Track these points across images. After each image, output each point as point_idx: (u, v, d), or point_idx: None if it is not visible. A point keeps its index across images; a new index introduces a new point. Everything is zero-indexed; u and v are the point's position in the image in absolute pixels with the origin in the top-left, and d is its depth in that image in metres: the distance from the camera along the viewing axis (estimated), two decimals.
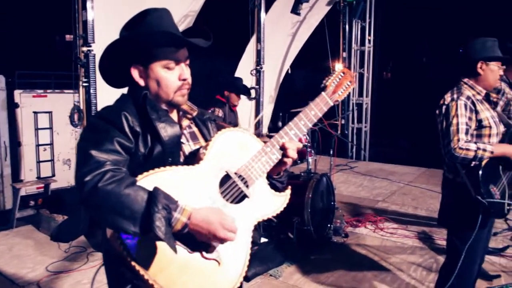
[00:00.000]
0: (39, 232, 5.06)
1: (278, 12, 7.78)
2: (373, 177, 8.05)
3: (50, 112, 6.14)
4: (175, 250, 1.30)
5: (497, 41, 2.77)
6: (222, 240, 1.40)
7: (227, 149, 1.56)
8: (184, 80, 1.60)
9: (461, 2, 8.90)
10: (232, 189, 1.52)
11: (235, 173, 1.54)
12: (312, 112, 1.70)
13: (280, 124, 5.42)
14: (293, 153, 1.63)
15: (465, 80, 2.77)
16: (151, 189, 1.32)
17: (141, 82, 1.59)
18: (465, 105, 2.62)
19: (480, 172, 2.53)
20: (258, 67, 5.92)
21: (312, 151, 4.90)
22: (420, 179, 7.85)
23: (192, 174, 1.48)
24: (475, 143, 2.55)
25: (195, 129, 1.75)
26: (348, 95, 9.95)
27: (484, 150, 2.52)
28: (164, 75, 1.56)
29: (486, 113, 2.68)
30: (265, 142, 1.64)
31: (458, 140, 2.55)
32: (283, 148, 1.62)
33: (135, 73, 1.59)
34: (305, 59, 10.22)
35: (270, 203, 1.60)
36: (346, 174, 8.36)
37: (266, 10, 7.10)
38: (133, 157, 1.48)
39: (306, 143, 4.76)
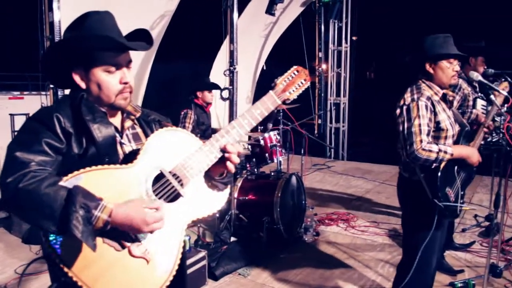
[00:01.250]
0: (11, 235, 5.01)
1: (252, 13, 7.82)
2: (349, 176, 8.12)
3: (27, 114, 6.07)
4: (93, 249, 1.32)
5: (450, 37, 2.71)
6: (149, 233, 1.43)
7: (163, 148, 1.58)
8: (126, 83, 1.61)
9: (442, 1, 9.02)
10: (165, 187, 1.54)
11: (170, 172, 1.55)
12: (258, 111, 1.70)
13: (270, 125, 5.40)
14: (234, 158, 1.63)
15: (423, 79, 2.74)
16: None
17: (82, 85, 1.60)
18: (426, 106, 2.57)
19: (439, 174, 2.52)
20: (231, 68, 5.92)
21: (283, 151, 4.92)
22: (395, 178, 7.86)
23: (125, 172, 1.50)
24: (437, 144, 2.54)
25: (139, 130, 1.76)
26: (326, 95, 10.03)
27: (445, 152, 2.50)
28: (105, 79, 1.58)
29: (443, 115, 2.65)
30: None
31: (421, 141, 2.51)
32: (223, 151, 1.63)
33: (76, 76, 1.60)
34: (283, 59, 10.27)
35: (206, 202, 1.61)
36: (323, 174, 8.41)
37: (240, 11, 7.14)
38: (66, 157, 1.50)
39: (276, 143, 4.79)
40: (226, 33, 6.20)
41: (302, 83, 1.79)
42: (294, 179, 4.68)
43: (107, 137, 1.57)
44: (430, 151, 2.49)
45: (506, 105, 3.41)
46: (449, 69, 2.67)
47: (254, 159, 4.90)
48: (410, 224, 2.88)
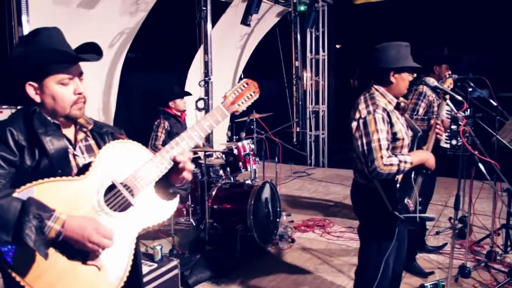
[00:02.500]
0: None
1: (227, 24, 7.93)
2: (328, 183, 8.20)
3: None
4: (45, 257, 1.37)
5: (409, 46, 2.73)
6: (98, 246, 1.47)
7: (115, 159, 1.63)
8: (80, 94, 1.66)
9: (420, 8, 9.22)
10: (116, 198, 1.59)
11: (121, 183, 1.61)
12: (207, 123, 1.76)
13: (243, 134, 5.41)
14: (188, 166, 1.70)
15: (377, 87, 2.71)
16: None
17: (37, 99, 1.64)
18: (383, 119, 2.54)
19: (398, 186, 2.51)
20: (206, 78, 6.01)
21: (257, 159, 4.98)
22: None
23: (77, 184, 1.55)
24: (396, 156, 2.50)
25: (92, 142, 1.81)
26: (305, 103, 10.15)
27: (405, 162, 2.48)
28: (59, 91, 1.62)
29: (399, 125, 2.65)
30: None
31: (382, 157, 2.46)
32: (174, 161, 1.68)
33: (30, 90, 1.63)
34: (261, 69, 10.40)
35: (157, 211, 1.67)
36: (303, 181, 8.49)
37: (214, 22, 7.24)
38: (19, 170, 1.54)
39: (249, 151, 4.86)
40: (200, 44, 6.29)
41: (251, 95, 1.86)
42: (268, 187, 4.74)
43: (59, 149, 1.62)
44: (391, 165, 2.45)
45: (459, 110, 3.51)
46: (407, 80, 2.70)
47: (228, 168, 4.94)
48: (367, 232, 2.84)
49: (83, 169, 1.66)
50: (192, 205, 4.88)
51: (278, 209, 4.91)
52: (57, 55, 1.60)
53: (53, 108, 1.64)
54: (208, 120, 1.76)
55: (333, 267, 4.33)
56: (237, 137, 5.07)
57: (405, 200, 2.56)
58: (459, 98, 2.90)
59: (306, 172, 9.30)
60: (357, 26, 10.38)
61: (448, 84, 3.38)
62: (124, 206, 1.60)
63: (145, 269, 3.50)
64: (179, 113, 5.21)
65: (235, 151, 4.83)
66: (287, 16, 9.17)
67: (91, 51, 1.71)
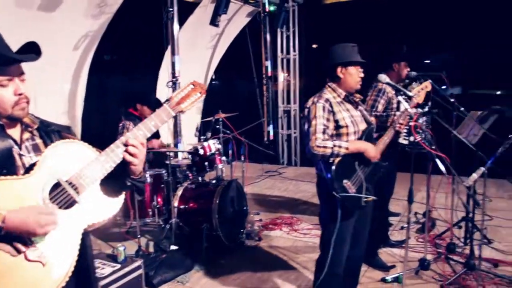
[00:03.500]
0: None
1: (196, 25, 7.93)
2: (299, 181, 8.30)
3: None
4: None
5: (356, 46, 3.00)
6: (45, 227, 1.52)
7: (61, 158, 1.65)
8: (20, 94, 1.67)
9: (390, 6, 9.39)
10: (61, 195, 1.62)
11: (66, 181, 1.63)
12: (152, 123, 1.81)
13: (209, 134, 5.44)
14: (135, 150, 1.74)
15: (329, 83, 3.00)
16: None
17: None
18: (323, 107, 2.85)
19: (333, 168, 2.75)
20: (174, 79, 6.02)
21: (223, 159, 5.02)
22: None
23: (22, 183, 1.57)
24: (332, 141, 2.78)
25: (39, 141, 1.82)
26: (276, 103, 10.23)
27: (340, 146, 2.76)
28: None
29: (344, 114, 2.90)
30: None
31: (316, 139, 2.76)
32: (126, 150, 1.73)
33: None
34: (233, 69, 10.46)
35: (102, 208, 1.70)
36: (274, 180, 8.57)
37: (183, 23, 7.25)
38: None
39: (215, 151, 4.89)
40: (167, 45, 6.30)
41: (197, 95, 1.91)
42: (233, 186, 4.79)
43: (3, 149, 1.63)
44: (325, 147, 2.75)
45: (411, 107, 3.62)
46: (355, 75, 2.95)
47: (194, 168, 4.97)
48: (323, 218, 3.10)
49: (30, 168, 1.67)
50: (158, 206, 4.89)
51: (245, 208, 4.96)
52: None
53: None
54: (154, 120, 1.80)
55: (298, 264, 4.40)
56: (204, 137, 5.10)
57: (344, 182, 2.78)
58: (410, 94, 3.05)
59: (278, 171, 9.39)
60: (327, 25, 10.49)
61: (424, 87, 3.45)
62: (69, 203, 1.63)
63: (108, 270, 3.53)
64: (143, 117, 5.21)
65: (201, 151, 4.85)
66: (257, 16, 9.22)
67: (31, 51, 1.72)
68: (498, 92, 12.73)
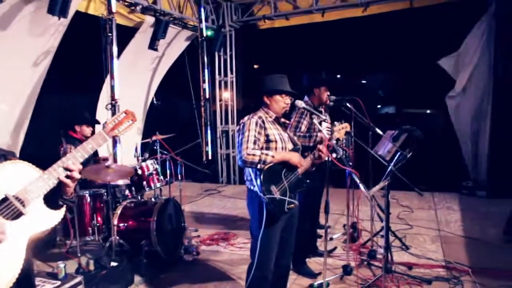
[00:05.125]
0: None
1: (137, 49, 8.15)
2: (237, 199, 8.61)
3: None
4: None
5: (285, 77, 3.43)
6: None
7: (7, 177, 1.89)
8: None
9: (325, 31, 9.92)
10: (9, 208, 1.85)
11: (14, 196, 1.86)
12: (90, 146, 2.11)
13: (146, 155, 5.62)
14: (74, 174, 2.01)
15: (262, 107, 3.42)
16: None
17: None
18: (256, 122, 3.24)
19: (262, 174, 3.12)
20: (113, 102, 6.20)
21: (161, 178, 5.25)
22: None
23: None
24: (261, 150, 3.18)
25: None
26: (215, 123, 10.56)
27: (267, 154, 3.14)
28: None
29: (273, 131, 3.31)
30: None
31: (247, 148, 3.14)
32: (67, 169, 1.99)
33: None
34: (173, 91, 10.69)
35: (46, 218, 1.95)
36: (213, 198, 8.84)
37: (124, 47, 7.46)
38: None
39: (153, 171, 5.12)
40: (107, 68, 6.48)
41: (130, 122, 2.23)
42: (171, 204, 5.03)
43: None
44: (254, 155, 3.12)
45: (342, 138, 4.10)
46: (281, 101, 3.38)
47: (133, 188, 5.17)
48: (251, 227, 3.39)
49: None
50: (98, 224, 5.03)
51: (183, 224, 5.20)
52: None
53: None
54: (91, 143, 2.10)
55: (233, 275, 4.67)
56: (142, 157, 5.31)
57: (271, 186, 3.14)
58: (322, 117, 3.49)
59: (217, 189, 9.67)
60: (263, 48, 10.98)
61: (343, 127, 3.84)
62: (16, 215, 1.86)
63: (48, 287, 3.65)
64: (84, 138, 5.34)
65: (139, 171, 5.07)
66: (194, 41, 9.56)
67: None
68: (428, 111, 13.67)
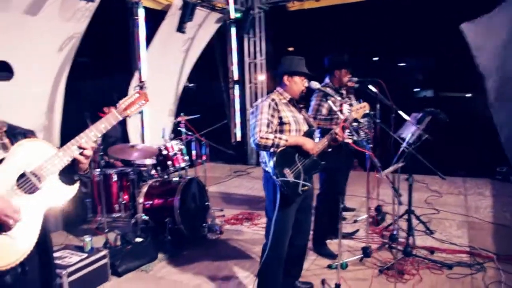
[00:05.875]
0: None
1: (169, 30, 8.24)
2: None
3: None
4: None
5: (303, 59, 3.47)
6: (8, 219, 1.87)
7: (26, 154, 2.02)
8: None
9: (353, 14, 9.71)
10: (26, 183, 1.98)
11: (31, 172, 1.99)
12: (102, 125, 2.21)
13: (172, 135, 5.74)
14: (86, 152, 2.13)
15: (278, 88, 3.46)
16: None
17: None
18: (269, 105, 3.27)
19: (275, 157, 3.15)
20: (140, 84, 6.33)
21: (185, 158, 5.38)
22: None
23: None
24: (274, 134, 3.21)
25: (6, 141, 2.16)
26: (245, 105, 10.63)
27: (280, 138, 3.18)
28: None
29: (287, 113, 3.34)
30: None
31: (260, 131, 3.18)
32: (80, 147, 2.10)
33: None
34: (203, 73, 10.79)
35: (60, 193, 2.07)
36: (241, 179, 8.96)
37: (152, 29, 7.58)
38: None
39: (177, 151, 5.25)
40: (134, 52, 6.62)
41: (142, 103, 2.31)
42: (195, 183, 5.16)
43: None
44: (267, 138, 3.16)
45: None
46: (299, 83, 3.42)
47: (158, 167, 5.32)
48: (266, 208, 3.46)
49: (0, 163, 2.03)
50: (125, 202, 5.23)
51: (206, 203, 5.32)
52: None
53: None
54: (104, 123, 2.20)
55: (254, 253, 4.78)
56: (167, 138, 5.44)
57: (284, 169, 3.18)
58: (338, 98, 3.50)
59: (246, 171, 9.78)
60: (292, 30, 10.89)
61: (362, 106, 3.82)
62: (32, 189, 1.99)
63: (75, 258, 3.87)
64: None
65: (164, 151, 5.21)
66: (224, 23, 9.60)
67: (5, 69, 2.09)
68: (468, 95, 13.24)
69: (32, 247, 1.95)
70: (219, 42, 9.89)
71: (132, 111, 2.28)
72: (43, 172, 2.02)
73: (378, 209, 5.89)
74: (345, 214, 6.08)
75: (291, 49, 12.45)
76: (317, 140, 3.49)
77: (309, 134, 3.40)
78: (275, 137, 3.17)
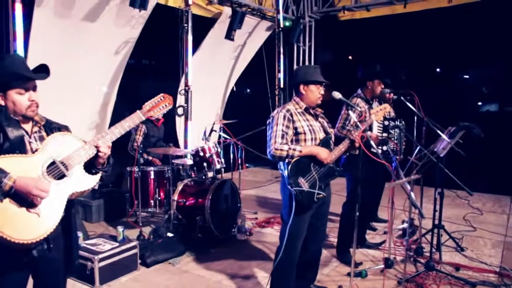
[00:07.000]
0: None
1: (218, 37, 8.57)
2: None
3: None
4: (1, 201, 2.07)
5: (318, 68, 3.55)
6: (37, 196, 2.15)
7: (57, 145, 2.32)
8: (32, 101, 2.36)
9: (405, 24, 9.58)
10: (55, 170, 2.28)
11: (60, 161, 2.28)
12: (126, 124, 2.47)
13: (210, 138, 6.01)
14: (104, 149, 2.39)
15: (294, 97, 3.56)
16: None
17: (2, 103, 2.35)
18: (284, 116, 3.35)
19: (289, 166, 3.25)
20: (186, 88, 6.68)
21: (221, 160, 5.63)
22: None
23: (28, 160, 2.25)
24: (288, 145, 3.29)
25: (43, 133, 2.49)
26: None
27: (294, 149, 3.26)
28: (17, 98, 2.32)
29: (302, 123, 3.40)
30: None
31: (275, 142, 3.27)
32: (96, 146, 2.37)
33: None
34: (250, 79, 11.03)
35: (84, 181, 2.36)
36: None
37: (200, 36, 7.93)
38: None
39: (213, 153, 5.51)
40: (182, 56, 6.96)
41: (165, 105, 2.58)
42: (228, 185, 5.39)
43: (18, 136, 2.31)
44: (282, 149, 3.25)
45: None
46: (316, 91, 3.49)
47: (195, 168, 5.60)
48: (282, 213, 3.57)
49: (35, 151, 2.34)
50: (160, 198, 5.55)
51: (238, 205, 5.54)
52: (15, 76, 2.31)
53: (14, 110, 2.35)
54: (128, 122, 2.46)
55: None
56: (205, 141, 5.72)
57: (299, 178, 3.27)
58: (358, 109, 3.60)
59: None
60: (343, 40, 10.89)
61: (382, 108, 3.89)
62: (60, 176, 2.29)
63: (107, 246, 4.20)
64: (155, 120, 5.91)
65: (201, 153, 5.49)
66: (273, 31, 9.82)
67: (42, 71, 2.40)
68: None
69: (55, 225, 2.23)
70: (267, 49, 10.09)
71: (155, 113, 2.53)
72: (70, 161, 2.30)
73: (410, 222, 5.86)
74: (377, 225, 6.11)
75: (350, 57, 12.39)
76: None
77: (325, 141, 3.47)
78: (289, 148, 3.26)
